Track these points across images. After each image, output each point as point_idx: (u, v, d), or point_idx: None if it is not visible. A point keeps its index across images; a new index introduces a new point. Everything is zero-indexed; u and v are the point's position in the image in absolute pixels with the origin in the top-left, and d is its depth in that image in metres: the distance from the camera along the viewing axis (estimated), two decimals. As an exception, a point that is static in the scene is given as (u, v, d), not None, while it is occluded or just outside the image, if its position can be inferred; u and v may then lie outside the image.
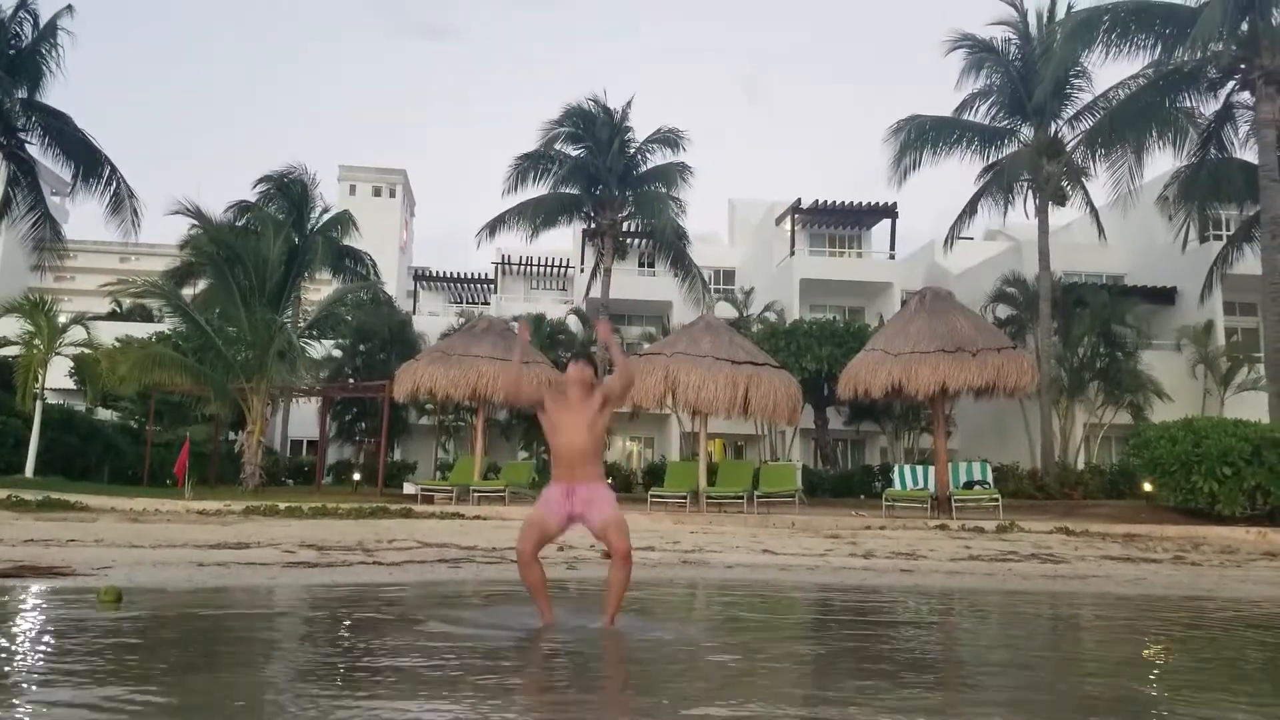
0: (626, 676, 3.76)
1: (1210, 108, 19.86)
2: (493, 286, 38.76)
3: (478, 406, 18.82)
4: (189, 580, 6.17)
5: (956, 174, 71.36)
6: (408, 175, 46.46)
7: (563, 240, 34.53)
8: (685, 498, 16.23)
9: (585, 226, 26.12)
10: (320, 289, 29.48)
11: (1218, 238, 23.61)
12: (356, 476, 23.19)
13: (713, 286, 30.40)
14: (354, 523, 11.48)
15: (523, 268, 38.23)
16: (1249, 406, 19.91)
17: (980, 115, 22.82)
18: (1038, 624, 6.22)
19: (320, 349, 25.05)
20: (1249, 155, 19.42)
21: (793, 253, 31.18)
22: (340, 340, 26.70)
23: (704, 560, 9.61)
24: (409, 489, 18.74)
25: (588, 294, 27.42)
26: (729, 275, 34.84)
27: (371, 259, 28.00)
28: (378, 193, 44.83)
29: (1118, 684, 3.82)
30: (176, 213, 19.20)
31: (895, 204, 31.17)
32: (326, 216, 25.76)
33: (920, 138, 22.60)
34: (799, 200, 31.43)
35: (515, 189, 24.07)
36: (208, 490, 17.16)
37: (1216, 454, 12.99)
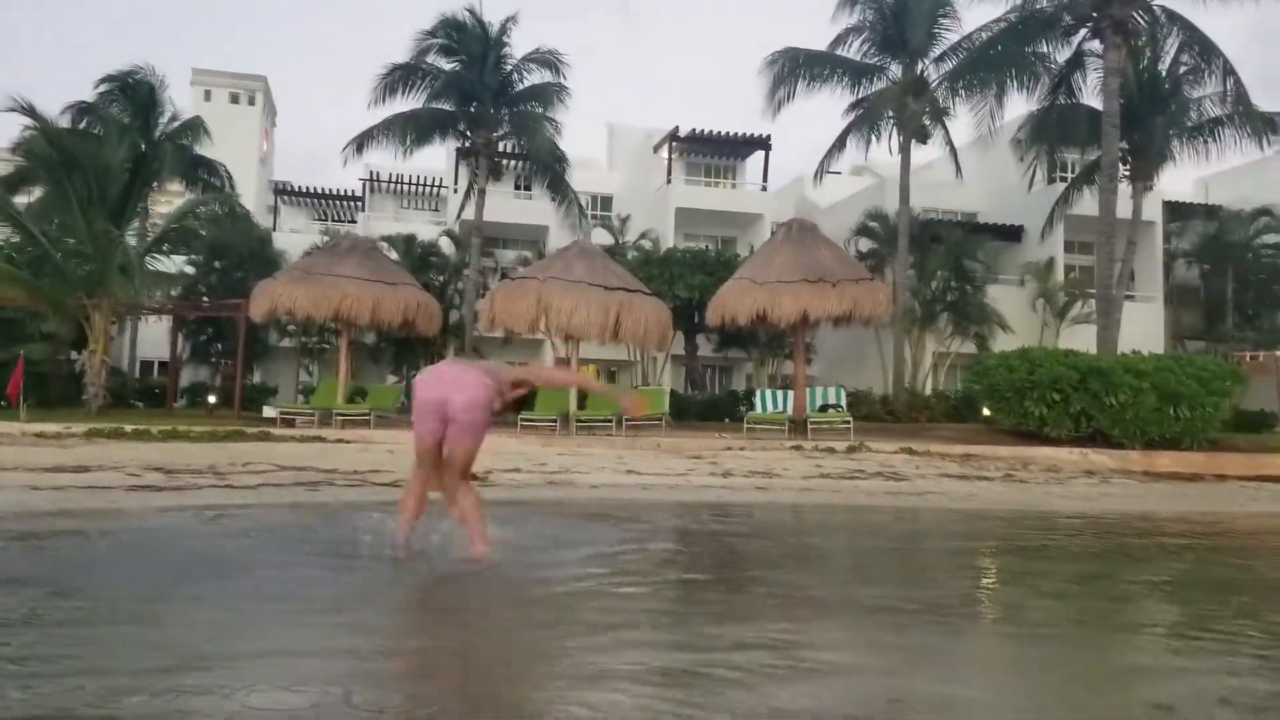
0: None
1: (1064, 54, 20.84)
2: (360, 204, 37.37)
3: (341, 328, 18.32)
4: (20, 504, 5.90)
5: (829, 109, 72.61)
6: (269, 82, 43.72)
7: (436, 159, 33.52)
8: (555, 422, 16.38)
9: (459, 145, 25.38)
10: (172, 201, 27.71)
11: (1064, 179, 24.96)
12: (212, 399, 22.28)
13: (590, 212, 30.21)
14: (207, 446, 11.12)
15: (393, 186, 36.95)
16: (1081, 338, 21.43)
17: (853, 51, 23.20)
18: (855, 532, 6.70)
19: (170, 265, 23.70)
20: (1095, 101, 20.54)
21: (669, 181, 31.25)
22: (193, 256, 25.29)
23: (570, 481, 9.82)
24: (269, 413, 18.17)
25: (460, 215, 26.82)
26: (607, 201, 34.66)
27: (227, 170, 26.47)
28: (235, 100, 42.12)
29: (890, 590, 4.19)
30: (11, 110, 17.63)
31: (769, 136, 31.55)
32: (176, 123, 24.13)
33: (794, 71, 22.84)
34: (676, 128, 31.41)
35: (383, 101, 23.05)
36: (47, 412, 16.20)
37: (1047, 381, 14.00)
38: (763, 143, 31.51)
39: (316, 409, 16.98)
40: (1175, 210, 28.01)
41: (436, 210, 37.18)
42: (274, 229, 31.96)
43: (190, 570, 3.98)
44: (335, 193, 38.04)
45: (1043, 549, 6.29)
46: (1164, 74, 21.59)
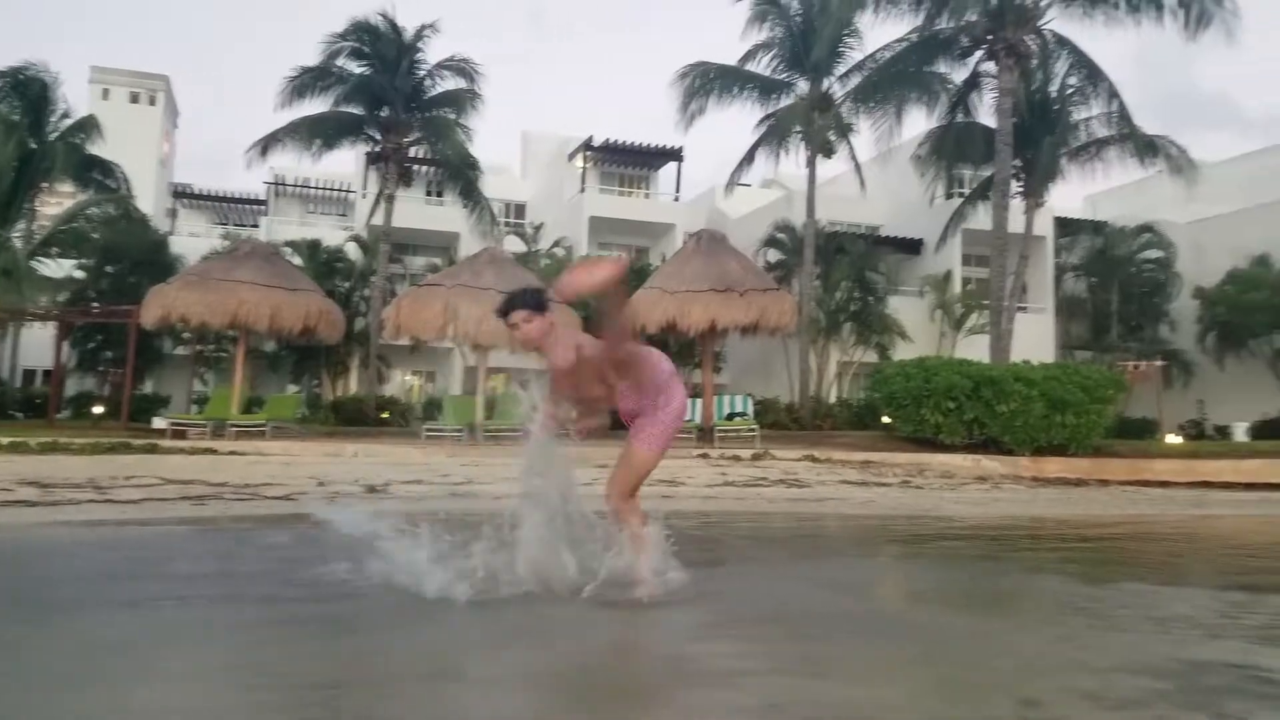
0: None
1: (961, 75, 21.66)
2: (264, 208, 36.35)
3: (239, 335, 17.78)
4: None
5: (741, 122, 73.97)
6: (170, 82, 42.21)
7: (345, 163, 32.86)
8: (462, 431, 16.20)
9: (369, 150, 24.95)
10: (63, 203, 26.53)
11: (961, 195, 25.89)
12: (98, 410, 21.33)
13: (503, 219, 30.05)
14: (89, 459, 10.65)
15: (299, 190, 36.07)
16: (977, 348, 22.23)
17: (763, 67, 23.64)
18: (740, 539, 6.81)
19: (59, 269, 22.64)
20: (990, 120, 21.39)
21: (583, 190, 31.32)
22: (84, 260, 24.20)
23: (473, 492, 9.70)
24: (158, 424, 17.48)
25: (370, 220, 26.35)
26: (520, 209, 34.52)
27: (123, 172, 25.43)
28: (135, 99, 40.51)
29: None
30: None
31: (681, 148, 31.96)
32: (69, 121, 23.09)
33: (706, 85, 23.17)
34: (590, 138, 31.52)
35: (291, 104, 22.49)
36: (-83, 423, 15.28)
37: (942, 390, 14.49)
38: (675, 154, 31.86)
39: (209, 420, 16.40)
40: (1065, 226, 29.32)
41: (344, 215, 36.43)
42: (172, 233, 30.81)
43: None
44: (238, 196, 36.93)
45: (930, 552, 6.50)
46: (1054, 95, 22.58)
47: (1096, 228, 29.46)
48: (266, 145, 22.60)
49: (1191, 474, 14.07)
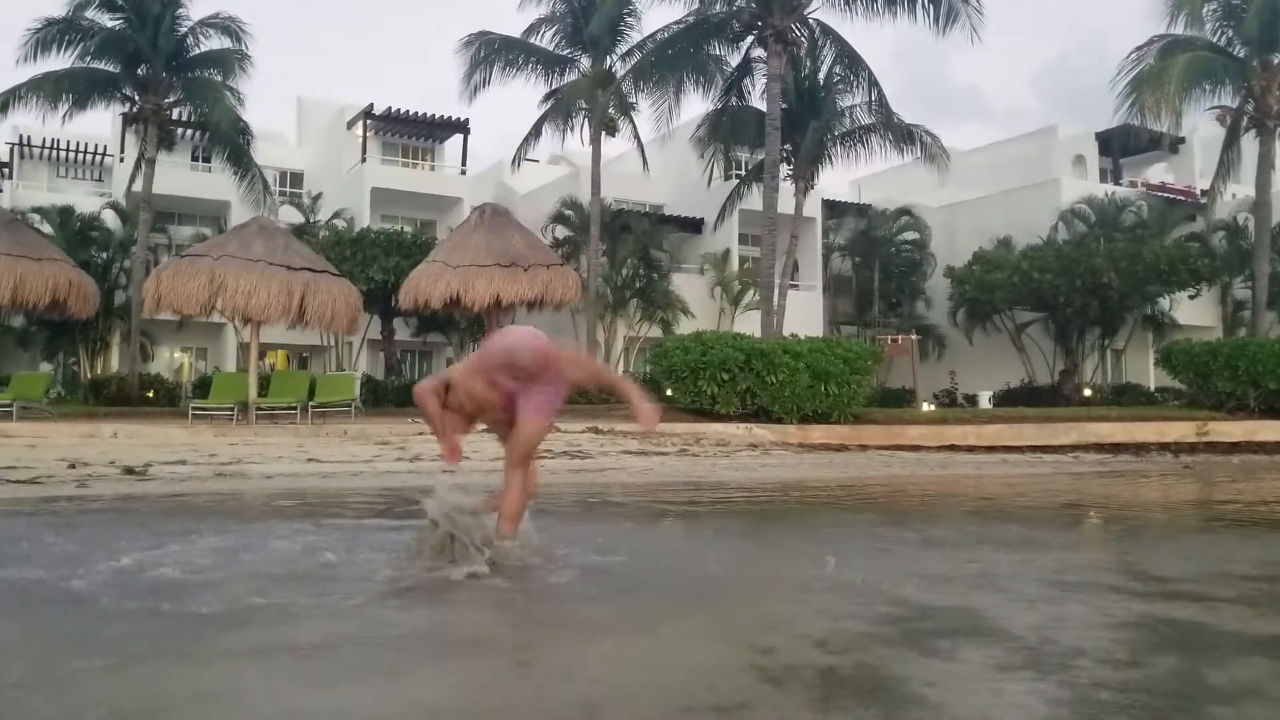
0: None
1: (735, 59, 22.57)
2: (7, 171, 32.52)
3: (-28, 311, 15.99)
4: None
5: (528, 96, 73.62)
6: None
7: (102, 125, 30.00)
8: (232, 409, 15.38)
9: (125, 111, 22.91)
10: None
11: (738, 176, 27.08)
12: None
13: (278, 189, 28.51)
14: None
15: (48, 152, 32.52)
16: (753, 323, 23.46)
17: (546, 41, 23.68)
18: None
19: None
20: (763, 105, 22.46)
21: (364, 159, 30.17)
22: None
23: (242, 472, 9.32)
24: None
25: (130, 187, 24.21)
26: (297, 178, 32.80)
27: None
28: None
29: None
30: None
31: (468, 120, 31.39)
32: None
33: (490, 56, 22.95)
34: (371, 106, 30.37)
35: (35, 58, 20.26)
36: None
37: (718, 362, 15.24)
38: (461, 126, 31.31)
39: (-61, 402, 14.69)
40: (833, 208, 31.38)
41: (101, 181, 33.30)
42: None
43: None
44: (-28, 158, 32.81)
45: (695, 514, 6.93)
46: (822, 83, 23.96)
47: (861, 210, 31.69)
48: (6, 102, 20.29)
49: (940, 438, 15.58)
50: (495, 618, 3.19)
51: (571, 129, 23.43)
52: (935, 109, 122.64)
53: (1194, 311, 28.20)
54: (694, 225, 28.97)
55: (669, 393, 17.86)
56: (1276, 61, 21.26)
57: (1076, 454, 14.76)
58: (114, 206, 25.53)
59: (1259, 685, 2.40)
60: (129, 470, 8.94)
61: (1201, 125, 30.64)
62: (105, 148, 32.00)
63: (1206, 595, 3.61)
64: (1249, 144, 22.53)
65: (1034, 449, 15.04)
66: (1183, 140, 32.69)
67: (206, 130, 22.78)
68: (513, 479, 3.98)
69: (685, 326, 23.46)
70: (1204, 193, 27.16)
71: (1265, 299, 22.25)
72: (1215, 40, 21.95)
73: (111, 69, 21.16)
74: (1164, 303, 26.86)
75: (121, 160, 28.44)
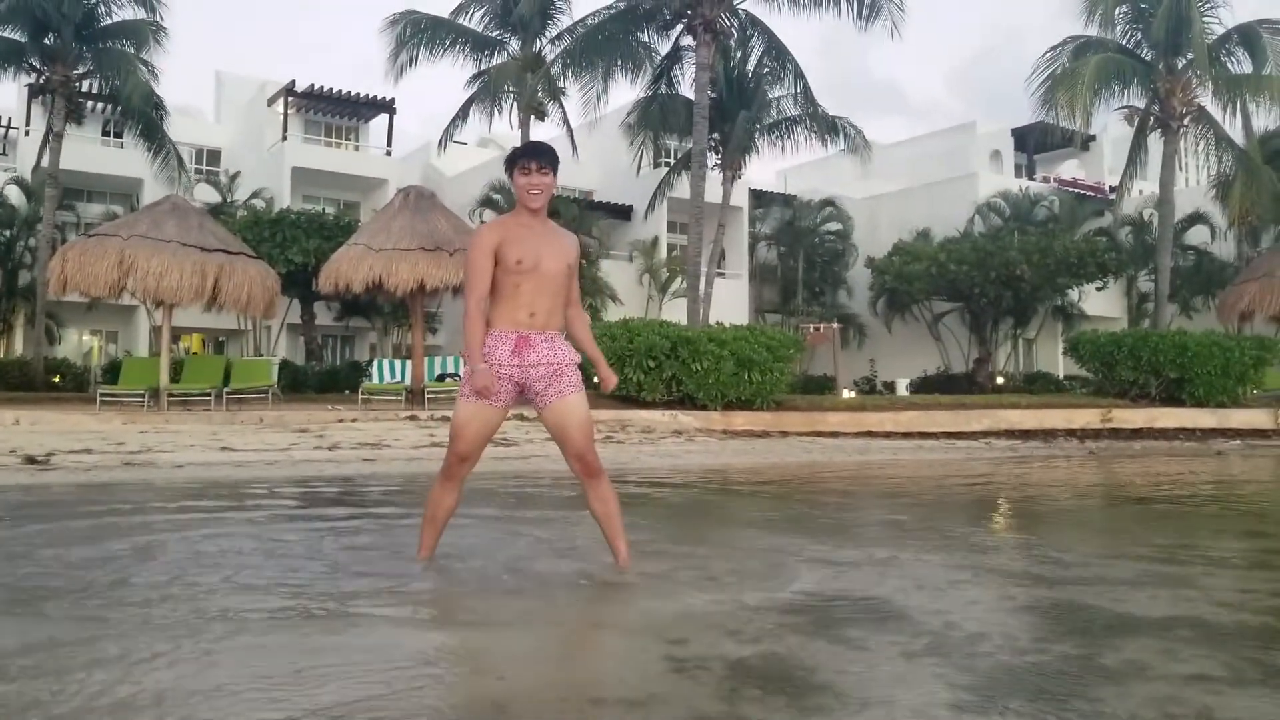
0: None
1: (665, 47, 22.56)
2: (-105, 142, 30.81)
3: None
4: None
5: (456, 77, 72.50)
6: None
7: (5, 96, 28.63)
8: (143, 395, 14.86)
9: (30, 82, 21.85)
10: None
11: (667, 164, 27.14)
12: None
13: (193, 166, 27.65)
14: None
15: (-54, 125, 30.90)
16: (681, 311, 23.58)
17: (475, 22, 23.31)
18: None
19: None
20: (691, 94, 22.50)
21: (285, 138, 29.37)
22: None
23: (151, 461, 9.04)
24: None
25: (38, 163, 23.11)
26: (214, 155, 31.79)
27: None
28: None
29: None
30: None
31: (393, 100, 30.83)
32: None
33: (416, 35, 22.49)
34: (293, 82, 29.56)
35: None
36: None
37: (644, 349, 15.26)
38: (387, 105, 30.74)
39: None
40: (760, 197, 31.69)
41: (5, 155, 31.77)
42: None
43: None
44: None
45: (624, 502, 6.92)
46: (750, 74, 24.15)
47: (787, 200, 32.06)
48: (-104, 72, 19.17)
49: (858, 425, 15.86)
50: (407, 615, 3.15)
51: (500, 112, 23.18)
52: (858, 102, 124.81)
53: (1101, 303, 29.31)
54: (623, 212, 28.95)
55: (595, 379, 17.87)
56: (1180, 65, 22.09)
57: (988, 440, 15.22)
58: (19, 182, 24.48)
59: (1148, 665, 2.52)
60: (31, 459, 8.60)
61: (1112, 124, 31.87)
62: (10, 120, 30.63)
63: (1105, 579, 3.77)
64: (1155, 143, 23.42)
65: (948, 435, 15.43)
66: (1094, 138, 33.96)
67: (118, 104, 21.86)
68: (606, 486, 3.77)
69: (615, 313, 23.45)
70: (1113, 189, 28.17)
71: (1168, 292, 23.21)
72: (1125, 43, 22.71)
73: (17, 37, 20.14)
74: (1073, 294, 27.81)
75: (28, 134, 27.29)
